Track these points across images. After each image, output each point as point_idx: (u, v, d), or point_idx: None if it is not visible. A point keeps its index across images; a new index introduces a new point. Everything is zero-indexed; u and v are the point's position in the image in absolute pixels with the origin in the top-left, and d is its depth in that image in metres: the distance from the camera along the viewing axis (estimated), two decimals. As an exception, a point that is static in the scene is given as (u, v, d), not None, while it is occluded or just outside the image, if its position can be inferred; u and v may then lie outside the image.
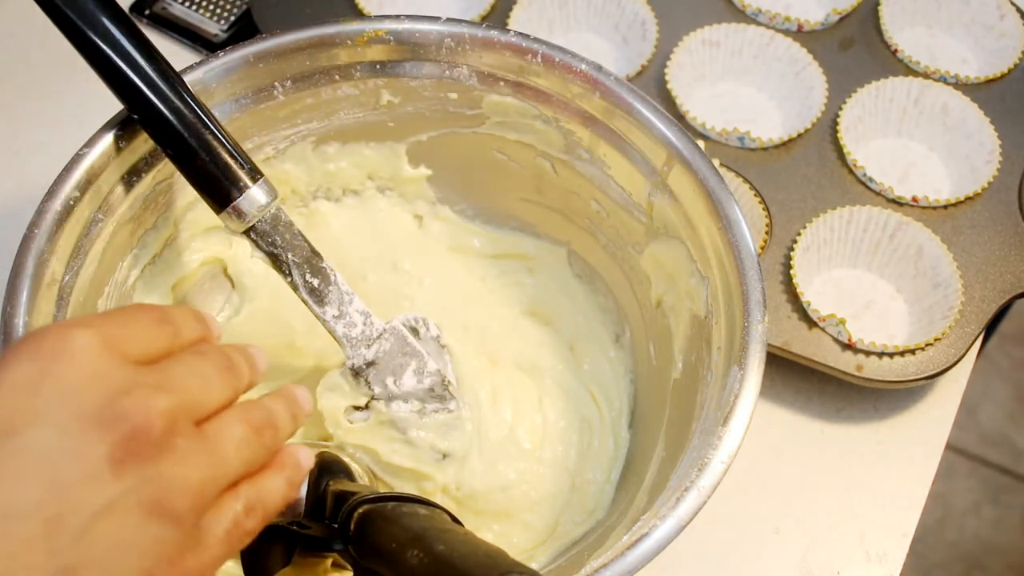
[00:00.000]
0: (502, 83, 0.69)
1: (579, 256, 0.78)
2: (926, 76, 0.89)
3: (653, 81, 0.88)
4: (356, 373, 0.65)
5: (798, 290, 0.78)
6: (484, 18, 0.91)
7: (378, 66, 0.69)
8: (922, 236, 0.80)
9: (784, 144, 0.86)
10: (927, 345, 0.76)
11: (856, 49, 0.91)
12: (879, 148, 0.89)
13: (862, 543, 0.75)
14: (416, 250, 0.78)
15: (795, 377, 0.80)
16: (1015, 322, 1.80)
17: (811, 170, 0.84)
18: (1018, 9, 0.93)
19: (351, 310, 0.65)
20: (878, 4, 0.93)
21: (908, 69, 0.90)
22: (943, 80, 0.89)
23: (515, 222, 0.79)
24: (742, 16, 0.92)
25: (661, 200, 0.67)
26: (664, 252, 0.68)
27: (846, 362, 0.76)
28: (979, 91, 0.88)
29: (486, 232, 0.79)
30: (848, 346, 0.77)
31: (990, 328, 0.80)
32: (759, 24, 0.91)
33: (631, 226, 0.71)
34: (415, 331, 0.67)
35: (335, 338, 0.65)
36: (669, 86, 0.87)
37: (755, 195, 0.83)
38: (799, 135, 0.86)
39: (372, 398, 0.66)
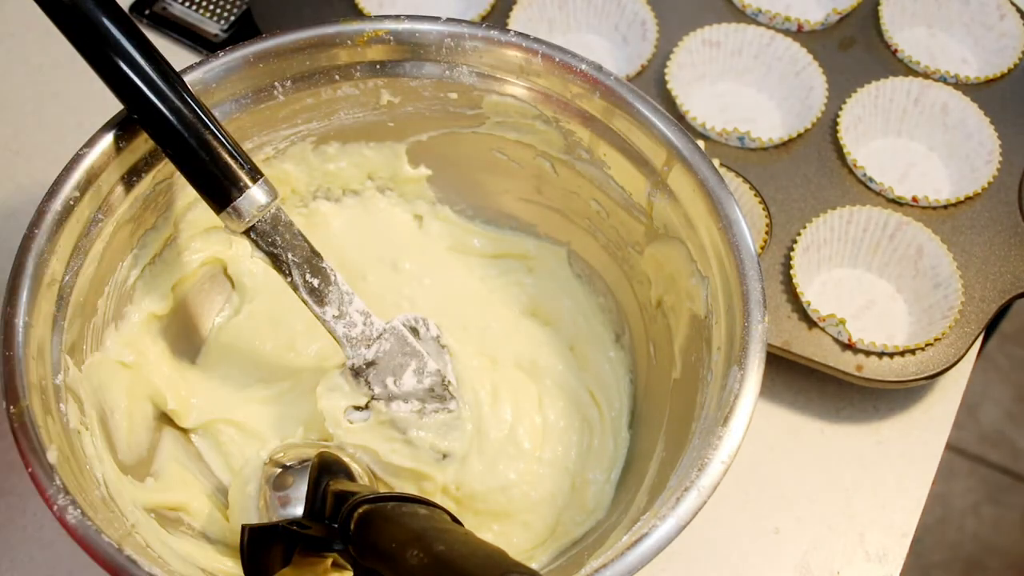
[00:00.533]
0: (502, 83, 0.69)
1: (579, 256, 0.78)
2: (926, 76, 0.89)
3: (653, 81, 0.88)
4: (356, 373, 0.65)
5: (798, 290, 0.78)
6: (484, 18, 0.91)
7: (378, 66, 0.69)
8: (922, 236, 0.80)
9: (784, 144, 0.86)
10: (927, 345, 0.76)
11: (856, 49, 0.91)
12: (879, 148, 0.89)
13: (862, 543, 0.75)
14: (416, 250, 0.78)
15: (795, 377, 0.80)
16: (1015, 322, 1.80)
17: (811, 170, 0.84)
18: (1018, 9, 0.93)
19: (351, 310, 0.65)
20: (878, 4, 0.93)
21: (908, 69, 0.90)
22: (943, 80, 0.89)
23: (515, 222, 0.79)
24: (742, 16, 0.92)
25: (661, 200, 0.67)
26: (664, 252, 0.68)
27: (846, 362, 0.76)
28: (979, 91, 0.88)
29: (486, 232, 0.79)
30: (848, 346, 0.77)
31: (990, 328, 0.80)
32: (759, 24, 0.91)
33: (631, 226, 0.71)
34: (415, 331, 0.67)
35: (335, 338, 0.65)
36: (669, 86, 0.87)
37: (755, 195, 0.83)
38: (799, 135, 0.86)
39: (372, 398, 0.66)
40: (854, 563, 0.74)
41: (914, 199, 0.83)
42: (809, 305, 0.78)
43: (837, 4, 0.93)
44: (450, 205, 0.79)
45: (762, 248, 0.81)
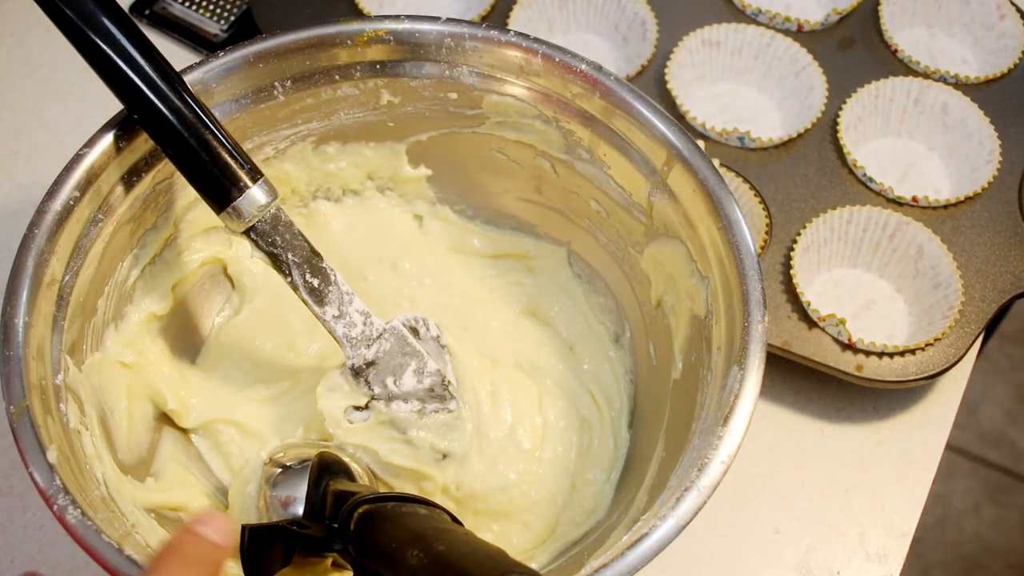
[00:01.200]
0: (502, 83, 0.69)
1: (579, 256, 0.78)
2: (926, 76, 0.89)
3: (653, 81, 0.88)
4: (356, 373, 0.65)
5: (798, 290, 0.78)
6: (484, 18, 0.91)
7: (378, 66, 0.69)
8: (922, 236, 0.80)
9: (784, 144, 0.86)
10: (927, 345, 0.76)
11: (856, 49, 0.91)
12: (879, 148, 0.89)
13: (862, 543, 0.75)
14: (416, 250, 0.78)
15: (795, 377, 0.80)
16: (1015, 322, 1.80)
17: (811, 170, 0.84)
18: (1018, 9, 0.93)
19: (351, 310, 0.65)
20: (878, 4, 0.93)
21: (908, 69, 0.90)
22: (943, 80, 0.89)
23: (515, 222, 0.79)
24: (742, 16, 0.92)
25: (661, 200, 0.67)
26: (664, 252, 0.68)
27: (846, 362, 0.76)
28: (979, 91, 0.88)
29: (486, 232, 0.79)
30: (848, 346, 0.77)
31: (990, 328, 0.80)
32: (759, 24, 0.91)
33: (631, 226, 0.71)
34: (415, 331, 0.67)
35: (335, 338, 0.65)
36: (669, 86, 0.87)
37: (755, 195, 0.83)
38: (799, 135, 0.86)
39: (372, 398, 0.66)
40: (854, 563, 0.74)
41: (914, 199, 0.83)
42: (809, 305, 0.78)
43: (837, 4, 0.93)
44: (450, 205, 0.79)
45: (762, 248, 0.81)
